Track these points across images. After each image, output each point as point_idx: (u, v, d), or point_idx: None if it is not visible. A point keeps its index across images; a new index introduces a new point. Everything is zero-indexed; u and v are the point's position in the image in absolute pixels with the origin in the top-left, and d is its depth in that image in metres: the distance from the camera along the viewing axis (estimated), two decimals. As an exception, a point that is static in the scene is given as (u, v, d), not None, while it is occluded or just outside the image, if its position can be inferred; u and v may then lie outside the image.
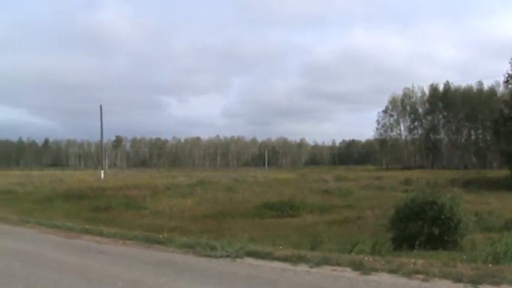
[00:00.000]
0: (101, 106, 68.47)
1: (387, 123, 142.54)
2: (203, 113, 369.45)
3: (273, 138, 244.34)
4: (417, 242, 13.74)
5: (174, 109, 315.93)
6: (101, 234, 17.38)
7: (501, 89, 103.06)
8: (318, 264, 10.90)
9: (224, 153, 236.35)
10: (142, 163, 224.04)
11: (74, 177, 59.16)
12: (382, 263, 10.44)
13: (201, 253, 12.82)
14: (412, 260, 10.49)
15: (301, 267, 10.83)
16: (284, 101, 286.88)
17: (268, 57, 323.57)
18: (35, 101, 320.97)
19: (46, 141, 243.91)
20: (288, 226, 20.58)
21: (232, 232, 17.75)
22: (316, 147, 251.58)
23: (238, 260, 12.01)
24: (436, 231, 14.57)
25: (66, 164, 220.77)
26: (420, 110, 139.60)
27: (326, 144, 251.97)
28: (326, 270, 10.46)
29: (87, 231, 18.14)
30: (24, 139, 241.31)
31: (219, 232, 17.83)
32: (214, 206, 26.99)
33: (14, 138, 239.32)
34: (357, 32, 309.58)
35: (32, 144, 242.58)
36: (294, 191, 35.48)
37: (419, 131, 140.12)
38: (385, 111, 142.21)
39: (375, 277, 9.66)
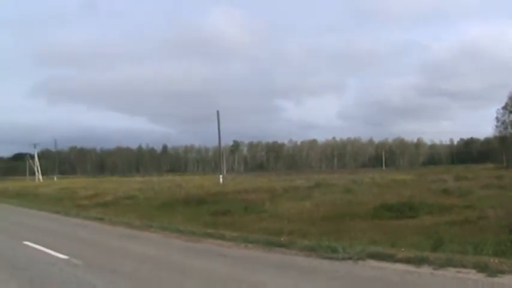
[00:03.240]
0: (218, 112, 69.73)
1: (507, 120, 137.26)
2: (319, 115, 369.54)
3: (390, 139, 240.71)
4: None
5: (290, 112, 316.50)
6: (223, 237, 17.75)
7: None
8: (441, 266, 10.78)
9: (341, 155, 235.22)
10: (260, 167, 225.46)
11: (192, 182, 60.17)
12: (509, 264, 10.20)
13: (323, 255, 12.91)
14: (541, 263, 10.19)
15: (425, 269, 10.74)
16: (400, 100, 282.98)
17: (382, 56, 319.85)
18: (154, 109, 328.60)
19: (164, 147, 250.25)
20: (407, 227, 20.21)
21: (352, 234, 17.68)
22: (433, 146, 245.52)
23: (360, 262, 12.04)
24: None
25: (184, 169, 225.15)
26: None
27: (444, 143, 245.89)
28: (450, 272, 10.32)
29: (209, 235, 18.61)
30: (144, 146, 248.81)
31: (337, 234, 17.76)
32: (333, 208, 26.78)
33: (133, 145, 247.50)
34: (473, 26, 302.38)
35: (151, 151, 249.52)
36: (412, 191, 34.82)
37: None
38: (504, 108, 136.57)
39: (502, 279, 9.47)
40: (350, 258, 12.29)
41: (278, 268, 12.03)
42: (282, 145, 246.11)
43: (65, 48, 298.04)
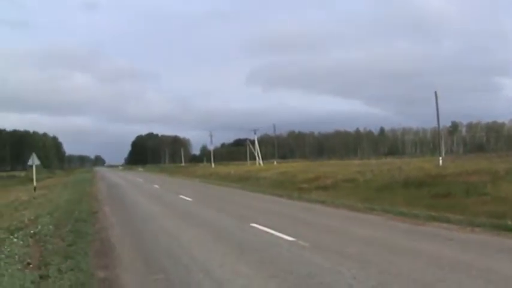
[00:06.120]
0: (435, 92, 68.15)
1: None
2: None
3: None
4: None
5: (510, 89, 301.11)
6: (448, 221, 17.56)
7: None
8: None
9: None
10: (479, 148, 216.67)
11: (411, 165, 59.05)
12: None
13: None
14: None
15: None
16: None
17: None
18: (369, 92, 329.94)
19: (382, 130, 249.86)
20: None
21: None
22: None
23: None
24: None
25: (402, 151, 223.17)
26: None
27: None
28: None
29: (433, 218, 18.43)
30: (361, 129, 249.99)
31: None
32: (560, 191, 25.52)
33: (351, 128, 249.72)
34: None
35: (369, 133, 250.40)
36: None
37: None
38: None
39: None
40: None
41: (508, 253, 11.82)
42: (503, 125, 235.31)
43: (279, 36, 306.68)
